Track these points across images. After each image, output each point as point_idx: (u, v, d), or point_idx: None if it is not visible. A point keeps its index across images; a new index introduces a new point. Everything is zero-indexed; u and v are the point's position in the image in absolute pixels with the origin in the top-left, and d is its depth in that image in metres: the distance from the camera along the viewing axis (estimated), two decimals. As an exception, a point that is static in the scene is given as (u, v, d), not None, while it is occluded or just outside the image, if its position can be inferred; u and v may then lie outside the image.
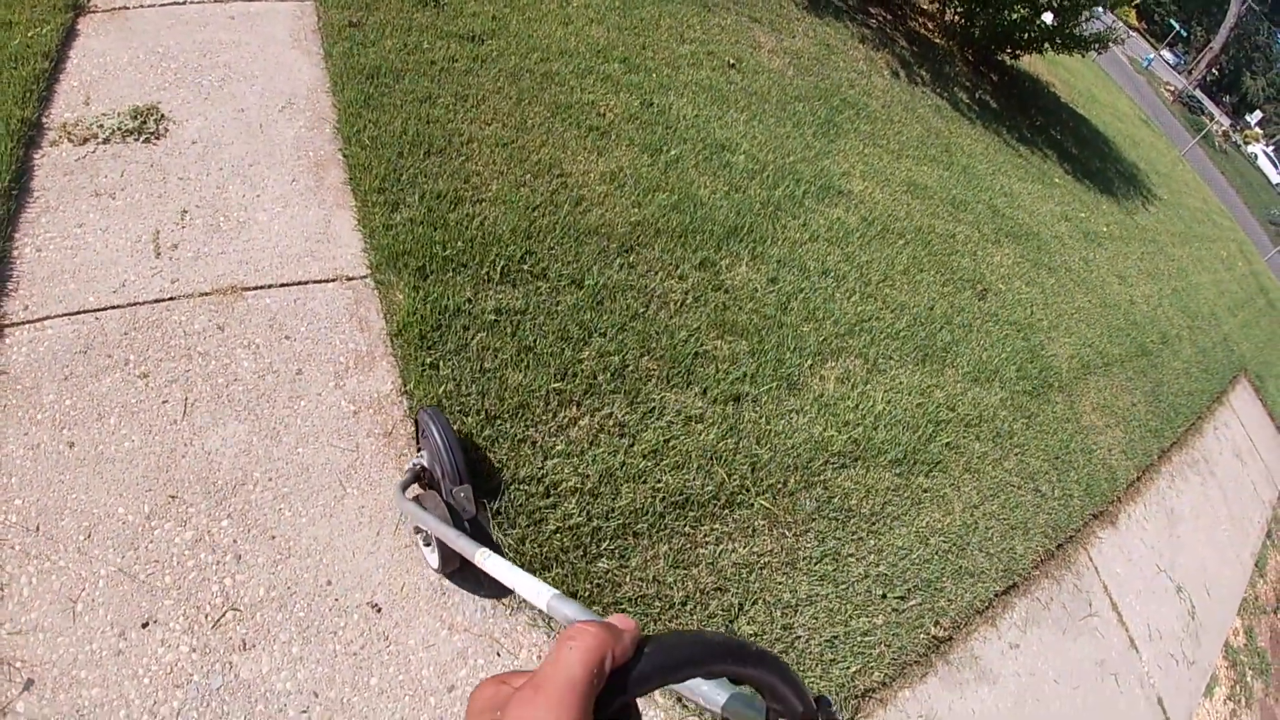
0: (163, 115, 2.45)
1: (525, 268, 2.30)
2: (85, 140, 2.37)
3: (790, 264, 2.98)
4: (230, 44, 2.76)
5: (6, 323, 1.89)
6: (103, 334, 1.91)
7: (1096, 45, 6.29)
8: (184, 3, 2.92)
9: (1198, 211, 10.86)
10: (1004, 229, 4.54)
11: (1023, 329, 4.07)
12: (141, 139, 2.38)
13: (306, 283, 2.13)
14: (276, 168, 2.38)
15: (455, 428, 1.79)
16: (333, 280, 2.14)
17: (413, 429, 1.81)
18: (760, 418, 2.46)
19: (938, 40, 6.06)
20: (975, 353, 3.54)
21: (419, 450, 1.67)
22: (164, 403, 1.82)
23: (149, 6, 2.88)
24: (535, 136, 2.74)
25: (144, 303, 1.99)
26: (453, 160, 2.51)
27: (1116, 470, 4.04)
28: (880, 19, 5.76)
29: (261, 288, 2.08)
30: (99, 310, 1.96)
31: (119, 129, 2.39)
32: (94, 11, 2.82)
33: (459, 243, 2.25)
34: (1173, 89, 19.37)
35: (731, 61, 3.85)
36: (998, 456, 3.24)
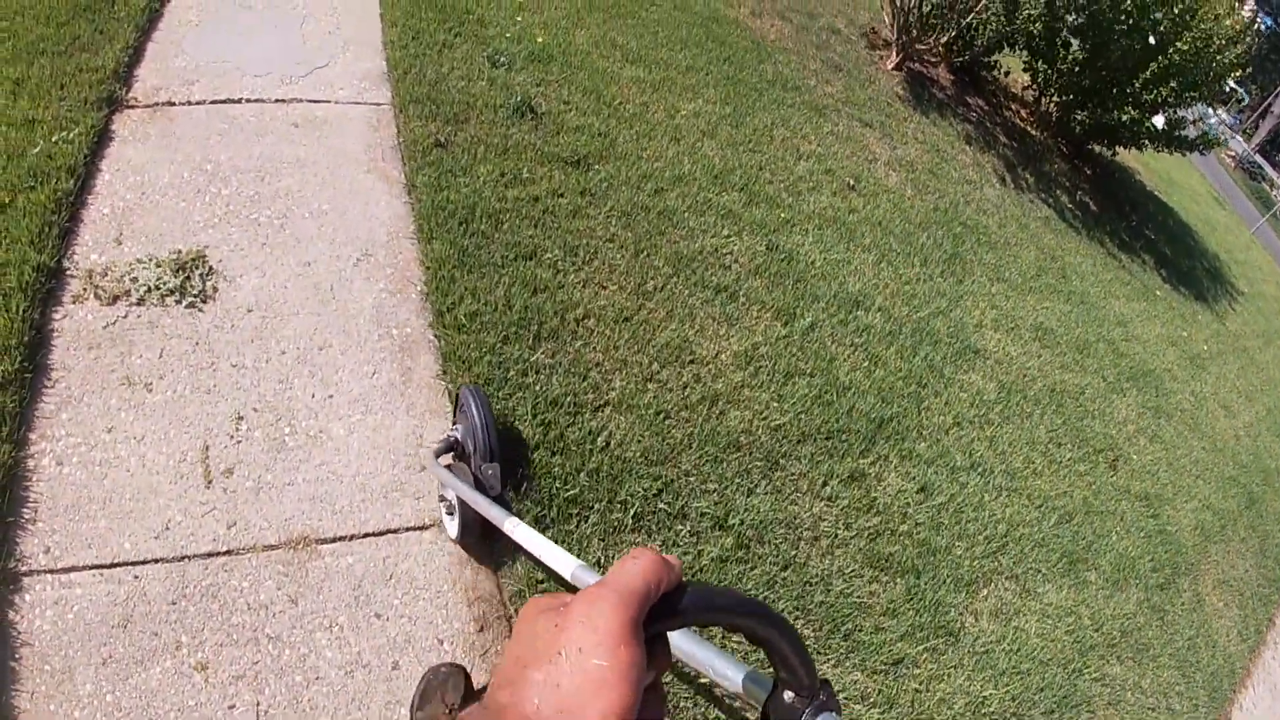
0: (210, 268, 2.10)
1: (662, 506, 1.97)
2: (115, 299, 2.02)
3: (938, 462, 2.69)
4: (293, 162, 2.42)
5: (25, 569, 1.54)
6: (145, 601, 1.56)
7: (1200, 146, 6.15)
8: (239, 101, 2.59)
9: (1275, 301, 10.83)
10: (1124, 371, 4.31)
11: (1151, 503, 3.81)
12: (184, 302, 2.03)
13: (397, 530, 1.78)
14: (353, 352, 2.04)
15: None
16: (429, 527, 1.80)
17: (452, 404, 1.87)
18: (920, 686, 2.14)
19: (1033, 132, 5.90)
20: (1114, 546, 3.27)
21: (454, 424, 1.73)
22: (230, 708, 1.47)
23: (198, 104, 2.55)
24: (658, 305, 2.43)
25: (195, 556, 1.64)
26: (567, 346, 2.18)
27: (1234, 659, 3.78)
28: (978, 110, 5.59)
29: (341, 539, 1.73)
30: (139, 564, 1.61)
31: (157, 287, 2.04)
32: (133, 107, 2.48)
33: (582, 476, 1.92)
34: (1233, 155, 19.57)
35: (850, 182, 3.59)
36: (1136, 678, 2.96)
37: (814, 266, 2.99)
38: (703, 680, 1.68)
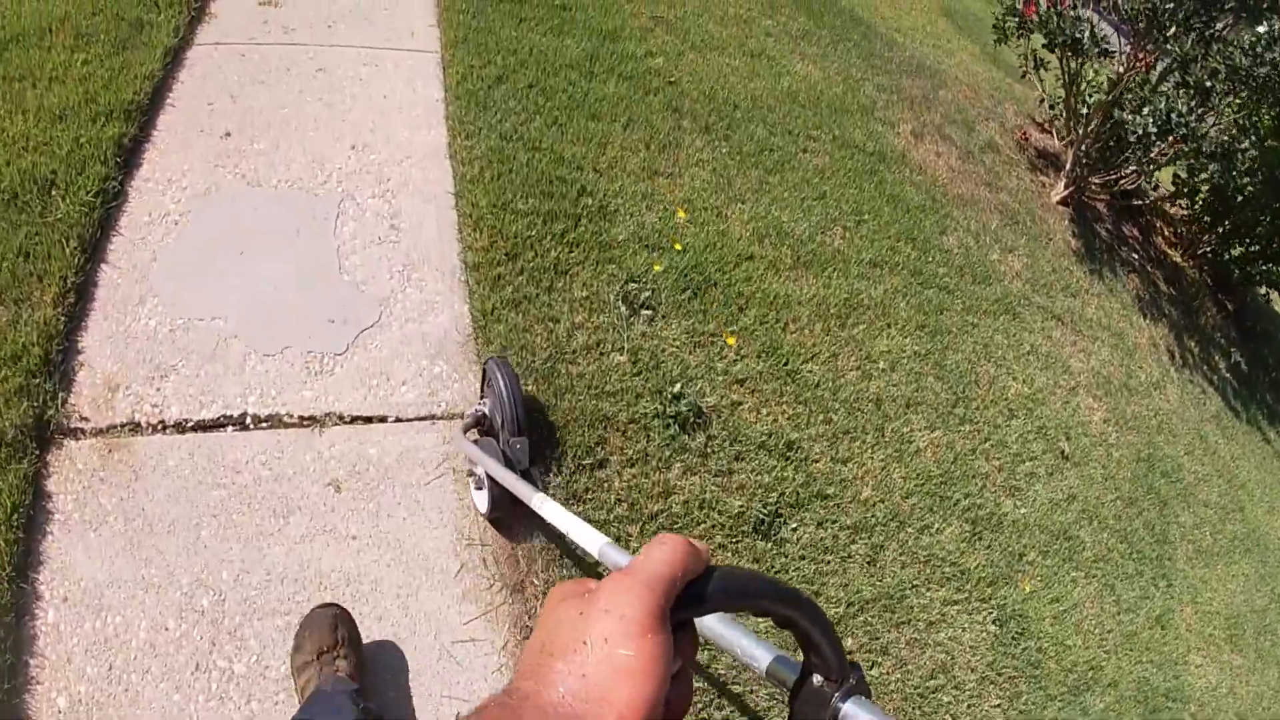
0: None
1: None
2: None
3: None
4: (341, 587, 1.49)
5: None
6: None
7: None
8: (241, 422, 1.61)
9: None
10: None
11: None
12: None
13: None
14: None
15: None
16: None
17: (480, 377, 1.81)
18: None
19: (1181, 261, 5.15)
20: None
21: (482, 398, 1.70)
22: None
23: (175, 430, 1.57)
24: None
25: None
26: None
27: None
28: (1134, 242, 4.79)
29: None
30: None
31: None
32: (78, 434, 1.52)
33: None
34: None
35: (1063, 448, 2.80)
36: None
37: (1046, 637, 2.23)
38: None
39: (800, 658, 0.45)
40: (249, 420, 1.63)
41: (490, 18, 2.94)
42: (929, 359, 2.61)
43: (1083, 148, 4.03)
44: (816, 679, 0.43)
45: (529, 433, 1.56)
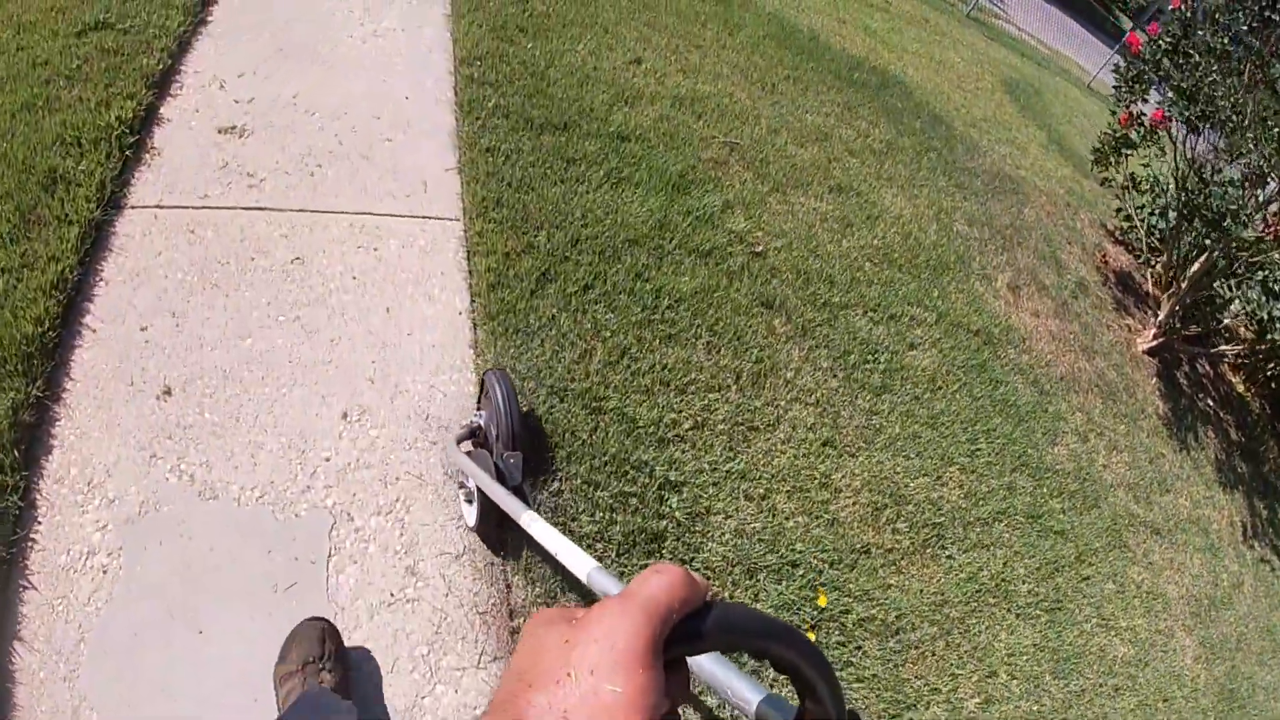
0: None
1: None
2: None
3: None
4: None
5: None
6: None
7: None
8: None
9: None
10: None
11: None
12: None
13: None
14: None
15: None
16: None
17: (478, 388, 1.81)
18: None
19: (1243, 390, 4.95)
20: None
21: (478, 410, 1.73)
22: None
23: None
24: None
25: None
26: None
27: None
28: (1206, 380, 4.54)
29: None
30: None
31: None
32: None
33: None
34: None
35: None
36: None
37: None
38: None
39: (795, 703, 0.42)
40: None
41: (526, 160, 2.36)
42: (1047, 649, 2.25)
43: (1180, 301, 3.71)
44: None
45: (524, 448, 1.56)
